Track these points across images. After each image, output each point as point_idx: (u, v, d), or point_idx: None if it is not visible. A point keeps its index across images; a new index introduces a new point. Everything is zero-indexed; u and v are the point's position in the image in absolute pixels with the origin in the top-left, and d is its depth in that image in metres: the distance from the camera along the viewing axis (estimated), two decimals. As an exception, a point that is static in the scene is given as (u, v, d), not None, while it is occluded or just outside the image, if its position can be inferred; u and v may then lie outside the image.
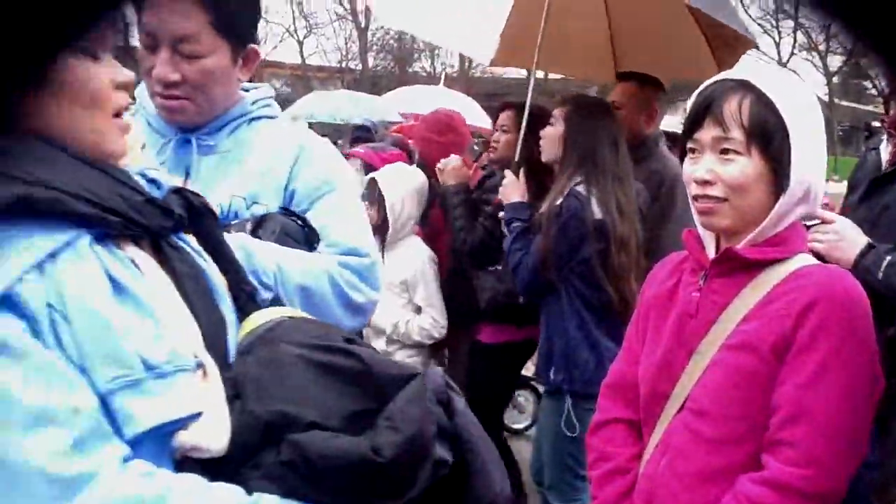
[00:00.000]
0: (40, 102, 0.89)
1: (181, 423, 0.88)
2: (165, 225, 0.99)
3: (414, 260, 3.11)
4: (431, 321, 3.08)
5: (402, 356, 3.05)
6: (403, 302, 3.12)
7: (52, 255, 0.85)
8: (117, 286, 0.89)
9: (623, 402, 1.56)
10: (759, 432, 1.32)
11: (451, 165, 3.08)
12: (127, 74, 0.96)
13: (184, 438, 0.89)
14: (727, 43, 3.04)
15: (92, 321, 0.85)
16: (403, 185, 3.13)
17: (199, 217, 1.07)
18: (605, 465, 1.54)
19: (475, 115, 7.48)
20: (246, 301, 1.09)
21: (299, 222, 1.52)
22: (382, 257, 3.01)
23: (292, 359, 0.95)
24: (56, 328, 0.83)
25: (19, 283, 0.82)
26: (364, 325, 1.58)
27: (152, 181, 1.04)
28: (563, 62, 3.60)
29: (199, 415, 0.90)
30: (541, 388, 3.28)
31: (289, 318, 1.07)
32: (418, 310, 3.11)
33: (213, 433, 0.90)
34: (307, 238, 1.52)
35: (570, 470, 2.54)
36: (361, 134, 4.79)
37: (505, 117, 3.09)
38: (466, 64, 24.61)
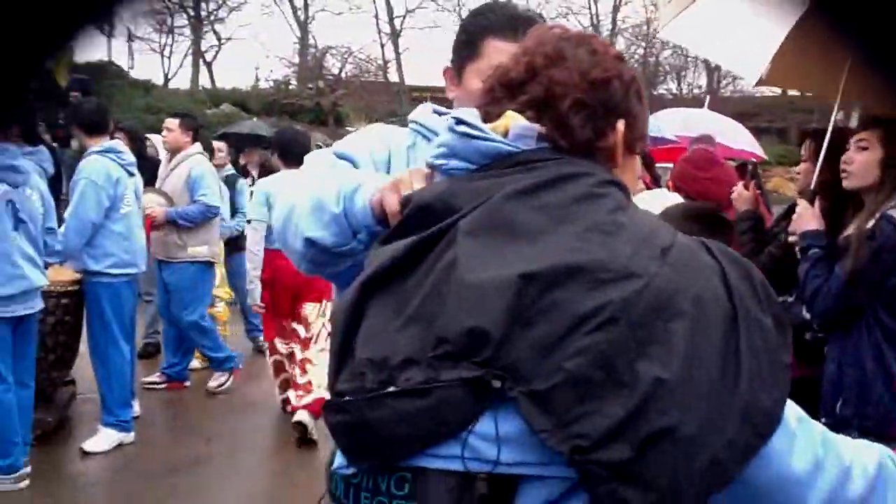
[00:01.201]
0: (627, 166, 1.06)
1: None
2: None
3: None
4: None
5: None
6: None
7: None
8: None
9: None
10: None
11: (740, 193, 3.05)
12: None
13: None
14: None
15: None
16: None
17: None
18: None
19: (742, 139, 7.04)
20: None
21: None
22: None
23: None
24: None
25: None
26: None
27: None
28: (847, 89, 3.42)
29: None
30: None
31: None
32: None
33: None
34: None
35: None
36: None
37: (806, 146, 2.96)
38: (715, 84, 23.69)
